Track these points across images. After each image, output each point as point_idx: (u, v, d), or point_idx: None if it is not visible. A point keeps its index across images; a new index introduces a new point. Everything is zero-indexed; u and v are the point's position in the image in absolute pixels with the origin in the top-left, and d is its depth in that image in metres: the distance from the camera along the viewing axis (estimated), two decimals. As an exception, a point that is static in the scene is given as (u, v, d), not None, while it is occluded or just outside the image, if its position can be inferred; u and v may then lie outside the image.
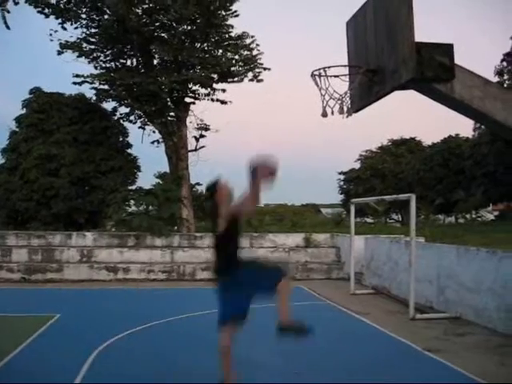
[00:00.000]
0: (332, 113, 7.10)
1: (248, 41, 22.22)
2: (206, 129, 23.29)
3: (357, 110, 7.51)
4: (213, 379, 6.75)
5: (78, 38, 21.99)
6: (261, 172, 5.21)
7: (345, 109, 7.12)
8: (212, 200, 5.68)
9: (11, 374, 6.87)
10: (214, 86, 22.55)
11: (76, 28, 21.95)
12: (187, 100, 23.01)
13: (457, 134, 42.87)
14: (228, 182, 5.69)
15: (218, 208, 5.58)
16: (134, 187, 23.32)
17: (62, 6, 21.38)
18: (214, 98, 22.72)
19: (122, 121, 24.15)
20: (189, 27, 21.76)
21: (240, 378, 5.88)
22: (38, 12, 21.32)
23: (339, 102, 7.08)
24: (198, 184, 26.72)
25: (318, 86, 7.05)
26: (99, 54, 22.64)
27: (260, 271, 5.76)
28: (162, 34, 21.94)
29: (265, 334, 9.53)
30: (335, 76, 7.03)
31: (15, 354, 7.71)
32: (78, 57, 22.00)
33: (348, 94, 7.16)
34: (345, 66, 7.36)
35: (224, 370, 5.72)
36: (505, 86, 30.63)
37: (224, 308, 5.72)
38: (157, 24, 21.35)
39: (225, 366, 5.72)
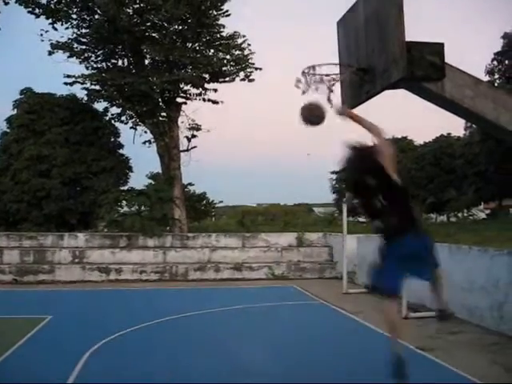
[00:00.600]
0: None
1: (239, 40, 22.22)
2: (198, 129, 23.24)
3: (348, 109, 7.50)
4: (209, 379, 6.75)
5: (69, 39, 21.90)
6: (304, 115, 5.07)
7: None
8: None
9: (3, 375, 6.83)
10: (206, 85, 22.51)
11: (67, 28, 21.87)
12: (179, 100, 22.96)
13: (448, 134, 43.06)
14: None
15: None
16: (125, 188, 23.27)
17: (52, 6, 21.30)
18: (206, 97, 22.68)
19: (113, 121, 24.09)
20: (180, 27, 21.72)
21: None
22: (29, 12, 21.22)
23: (330, 100, 7.07)
24: (190, 184, 26.67)
25: (308, 84, 7.04)
26: (90, 54, 22.55)
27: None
28: (153, 34, 21.88)
29: (258, 335, 9.56)
30: (326, 75, 7.02)
31: (7, 356, 7.66)
32: (68, 57, 21.92)
33: (339, 94, 7.16)
34: (335, 64, 7.35)
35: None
36: (495, 85, 30.74)
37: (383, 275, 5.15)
38: (148, 24, 21.29)
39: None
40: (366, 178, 4.95)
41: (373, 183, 4.91)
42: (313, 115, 5.21)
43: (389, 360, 5.20)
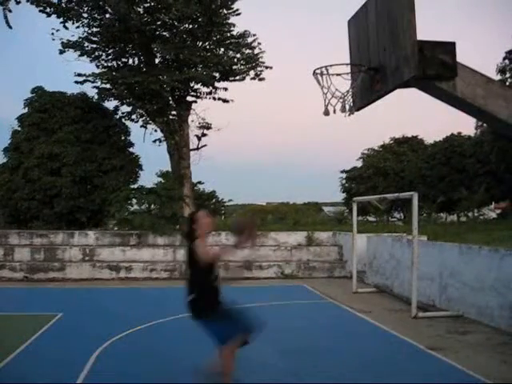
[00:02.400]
0: (334, 111, 7.10)
1: (250, 39, 22.25)
2: (208, 127, 23.29)
3: (359, 109, 7.49)
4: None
5: (80, 37, 22.00)
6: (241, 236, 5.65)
7: (347, 107, 7.11)
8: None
9: (14, 372, 6.89)
10: (216, 84, 22.55)
11: (78, 27, 21.96)
12: (189, 99, 23.02)
13: (459, 133, 42.83)
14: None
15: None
16: (136, 186, 23.32)
17: (63, 5, 21.38)
18: (216, 96, 22.73)
19: (123, 120, 24.17)
20: (190, 26, 21.76)
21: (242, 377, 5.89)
22: (40, 11, 21.32)
23: (341, 100, 7.07)
24: (199, 183, 26.72)
25: (320, 84, 7.04)
26: (101, 52, 22.64)
27: None
28: (164, 33, 21.94)
29: (268, 334, 9.57)
30: (337, 74, 7.01)
31: (18, 352, 7.72)
32: (79, 56, 22.06)
33: (350, 93, 7.14)
34: (347, 64, 7.34)
35: None
36: (507, 84, 30.55)
37: None
38: (158, 23, 21.32)
39: None
40: None
41: None
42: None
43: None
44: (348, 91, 7.11)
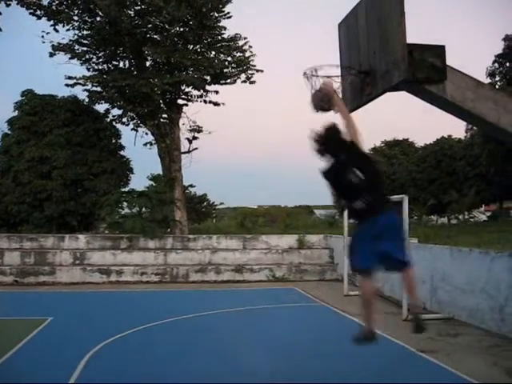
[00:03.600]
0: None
1: (241, 42, 22.27)
2: (199, 130, 23.29)
3: (349, 111, 7.49)
4: (209, 380, 6.75)
5: (71, 40, 21.95)
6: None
7: (337, 110, 7.10)
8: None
9: (3, 377, 6.83)
10: (207, 87, 22.56)
11: (68, 30, 21.95)
12: (180, 102, 23.00)
13: (449, 136, 43.06)
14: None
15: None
16: (126, 189, 23.28)
17: (54, 7, 21.33)
18: (207, 99, 22.72)
19: (114, 123, 24.12)
20: (181, 29, 21.75)
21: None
22: (30, 14, 21.26)
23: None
24: (191, 186, 26.65)
25: (310, 86, 7.03)
26: (92, 55, 22.59)
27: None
28: (155, 36, 21.92)
29: (259, 337, 9.54)
30: (327, 76, 7.00)
31: (7, 357, 7.66)
32: (70, 59, 21.99)
33: (340, 95, 7.13)
34: (337, 66, 7.33)
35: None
36: (497, 87, 30.73)
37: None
38: (149, 26, 21.31)
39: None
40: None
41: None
42: (322, 101, 5.53)
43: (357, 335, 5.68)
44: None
